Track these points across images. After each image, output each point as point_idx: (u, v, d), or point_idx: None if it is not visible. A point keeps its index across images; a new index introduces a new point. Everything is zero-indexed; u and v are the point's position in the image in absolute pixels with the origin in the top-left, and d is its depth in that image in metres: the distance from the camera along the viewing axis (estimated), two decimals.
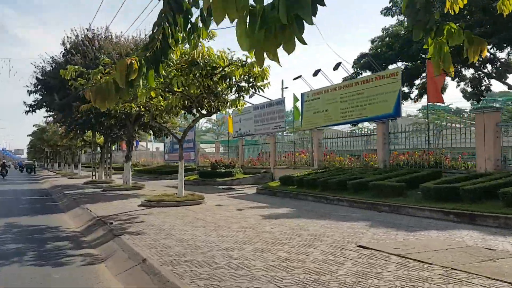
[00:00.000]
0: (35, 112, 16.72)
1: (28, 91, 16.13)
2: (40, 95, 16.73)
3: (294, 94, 18.00)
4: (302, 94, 17.73)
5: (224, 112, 12.27)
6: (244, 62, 9.83)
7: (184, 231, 7.21)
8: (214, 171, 20.91)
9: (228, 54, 9.92)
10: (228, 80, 10.12)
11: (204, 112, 11.42)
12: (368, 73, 24.59)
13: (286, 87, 31.18)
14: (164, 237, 6.69)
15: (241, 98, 10.92)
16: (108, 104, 3.83)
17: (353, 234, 6.57)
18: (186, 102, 11.08)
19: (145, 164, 41.58)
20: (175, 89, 10.59)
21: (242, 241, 6.22)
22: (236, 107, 11.20)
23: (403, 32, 23.34)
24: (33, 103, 16.76)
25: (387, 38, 23.72)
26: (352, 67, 25.41)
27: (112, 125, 22.72)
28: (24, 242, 7.43)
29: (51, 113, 18.14)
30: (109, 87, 3.70)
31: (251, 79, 10.16)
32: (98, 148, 48.93)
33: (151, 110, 12.00)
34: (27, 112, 16.65)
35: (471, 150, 14.90)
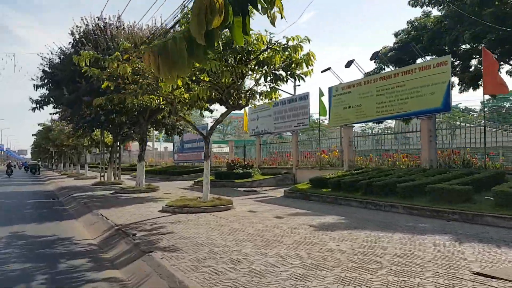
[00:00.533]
0: (42, 108, 15.42)
1: (34, 85, 14.78)
2: (47, 89, 15.40)
3: (319, 88, 16.60)
4: (330, 88, 16.32)
5: (253, 105, 10.90)
6: (285, 45, 8.45)
7: (228, 247, 5.83)
8: (231, 171, 19.54)
9: (266, 36, 8.55)
10: (265, 67, 8.73)
11: (233, 104, 9.99)
12: (389, 68, 23.18)
13: (299, 85, 29.64)
14: (207, 256, 5.32)
15: (277, 89, 9.55)
16: (178, 73, 2.46)
17: (450, 254, 5.17)
18: (214, 93, 9.69)
19: (153, 164, 40.34)
20: (202, 77, 9.24)
21: (312, 264, 4.84)
22: (271, 99, 9.82)
23: (431, 24, 21.92)
24: (39, 98, 15.42)
25: (413, 31, 22.27)
26: (375, 62, 24.03)
27: (122, 122, 21.44)
28: (32, 260, 6.08)
29: (59, 110, 16.77)
30: (179, 47, 2.32)
31: (291, 66, 8.76)
32: (104, 148, 47.11)
33: (174, 103, 10.61)
34: (33, 109, 15.33)
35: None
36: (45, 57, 15.00)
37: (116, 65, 9.31)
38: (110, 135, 23.35)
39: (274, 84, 9.44)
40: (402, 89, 13.13)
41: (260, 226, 7.62)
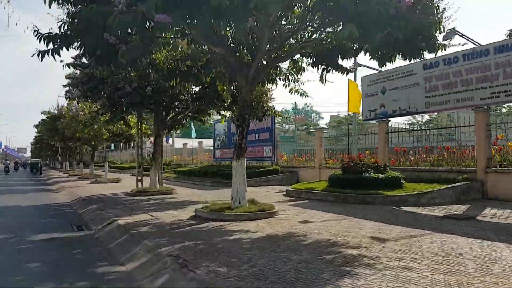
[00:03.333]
0: (58, 53, 7.62)
1: None
2: (68, 15, 7.71)
3: None
4: None
5: None
6: None
7: None
8: (360, 176, 11.87)
9: None
10: None
11: None
12: None
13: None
14: None
15: None
16: None
17: None
18: None
19: (181, 163, 32.73)
20: None
21: None
22: None
23: None
24: (54, 33, 7.62)
25: None
26: None
27: (175, 97, 13.91)
28: None
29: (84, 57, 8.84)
30: None
31: None
32: (112, 145, 39.15)
33: None
34: (43, 54, 7.56)
35: None
36: None
37: None
38: (153, 120, 15.68)
39: None
40: None
41: None
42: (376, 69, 14.71)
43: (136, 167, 15.92)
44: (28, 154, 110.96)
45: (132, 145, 51.03)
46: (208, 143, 35.41)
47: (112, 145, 43.51)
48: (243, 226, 7.38)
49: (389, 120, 14.57)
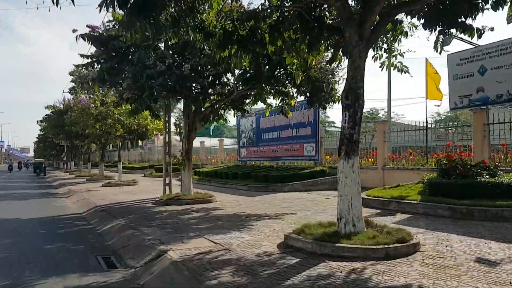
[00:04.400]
0: None
1: None
2: None
3: None
4: None
5: None
6: None
7: None
8: (476, 181, 8.75)
9: None
10: None
11: None
12: None
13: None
14: None
15: None
16: None
17: None
18: None
19: (198, 163, 29.70)
20: None
21: None
22: None
23: None
24: None
25: None
26: None
27: (216, 77, 10.95)
28: None
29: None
30: None
31: None
32: (120, 144, 36.03)
33: None
34: None
35: None
36: None
37: None
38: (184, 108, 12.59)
39: None
40: None
41: None
42: (472, 43, 11.58)
43: (163, 168, 12.84)
44: (31, 153, 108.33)
45: (140, 144, 47.92)
46: (226, 141, 32.44)
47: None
48: (399, 275, 4.29)
49: (489, 108, 11.44)
